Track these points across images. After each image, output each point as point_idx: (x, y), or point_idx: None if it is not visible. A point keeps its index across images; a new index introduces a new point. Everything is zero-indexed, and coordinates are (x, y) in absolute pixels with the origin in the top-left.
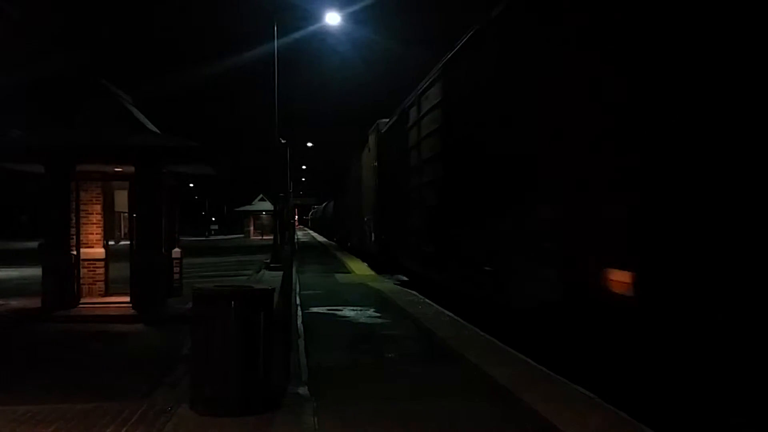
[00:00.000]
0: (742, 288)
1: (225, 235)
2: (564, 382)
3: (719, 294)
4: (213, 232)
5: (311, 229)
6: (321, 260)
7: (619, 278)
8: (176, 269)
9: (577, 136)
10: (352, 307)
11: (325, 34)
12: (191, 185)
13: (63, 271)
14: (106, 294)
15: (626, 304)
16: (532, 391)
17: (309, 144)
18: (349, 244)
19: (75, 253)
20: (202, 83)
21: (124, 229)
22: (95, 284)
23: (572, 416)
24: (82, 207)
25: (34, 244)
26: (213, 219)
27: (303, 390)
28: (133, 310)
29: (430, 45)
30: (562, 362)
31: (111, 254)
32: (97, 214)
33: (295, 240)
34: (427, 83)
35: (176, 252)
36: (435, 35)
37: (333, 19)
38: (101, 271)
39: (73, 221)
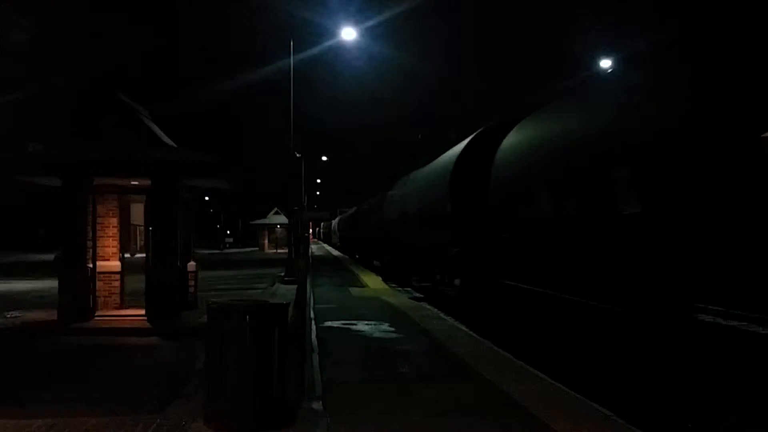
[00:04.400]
0: None
1: (239, 248)
2: (580, 399)
3: None
4: (228, 246)
5: (337, 244)
6: (335, 274)
7: None
8: (191, 282)
9: None
10: (366, 322)
11: (341, 49)
12: (206, 198)
13: (79, 284)
14: (122, 307)
15: None
16: (547, 408)
17: (324, 158)
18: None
19: (91, 265)
20: (219, 98)
21: (139, 242)
22: (111, 297)
23: None
24: (98, 220)
25: (51, 257)
26: (228, 232)
27: (317, 405)
28: (148, 323)
29: (445, 59)
30: (578, 378)
31: (127, 267)
32: (113, 227)
33: (310, 254)
34: None
35: (191, 265)
36: (451, 49)
37: (349, 34)
38: (117, 284)
39: (90, 234)
